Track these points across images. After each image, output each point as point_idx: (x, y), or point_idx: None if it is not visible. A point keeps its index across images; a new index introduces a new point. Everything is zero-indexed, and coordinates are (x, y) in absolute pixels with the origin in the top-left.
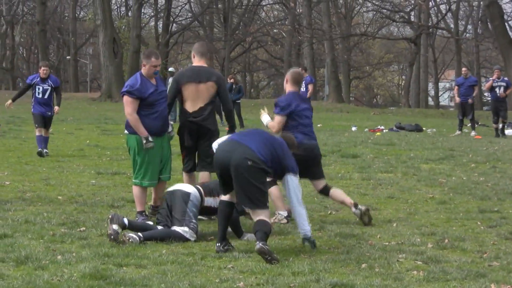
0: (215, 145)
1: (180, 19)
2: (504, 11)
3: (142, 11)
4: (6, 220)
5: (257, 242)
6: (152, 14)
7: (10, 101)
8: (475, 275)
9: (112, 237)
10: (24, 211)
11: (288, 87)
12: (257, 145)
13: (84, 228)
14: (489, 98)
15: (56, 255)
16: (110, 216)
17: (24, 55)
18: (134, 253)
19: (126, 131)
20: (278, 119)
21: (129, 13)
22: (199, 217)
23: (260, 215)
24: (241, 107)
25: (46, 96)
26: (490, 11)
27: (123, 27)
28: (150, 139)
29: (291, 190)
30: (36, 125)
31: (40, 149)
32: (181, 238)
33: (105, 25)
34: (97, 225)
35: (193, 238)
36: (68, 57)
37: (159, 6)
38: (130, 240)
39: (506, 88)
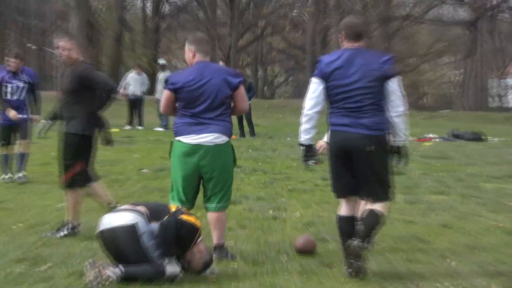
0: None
1: None
2: None
3: None
4: None
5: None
6: None
7: (12, 112)
8: None
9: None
10: None
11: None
12: (366, 122)
13: (49, 265)
14: None
15: None
16: (87, 263)
17: None
18: None
19: (226, 138)
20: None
21: None
22: None
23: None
24: (252, 109)
25: (19, 97)
26: None
27: (103, 9)
28: None
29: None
30: (3, 142)
31: (4, 176)
32: (164, 278)
33: (78, 5)
34: (65, 262)
35: (177, 270)
36: (29, 45)
37: None
38: (108, 280)
39: None
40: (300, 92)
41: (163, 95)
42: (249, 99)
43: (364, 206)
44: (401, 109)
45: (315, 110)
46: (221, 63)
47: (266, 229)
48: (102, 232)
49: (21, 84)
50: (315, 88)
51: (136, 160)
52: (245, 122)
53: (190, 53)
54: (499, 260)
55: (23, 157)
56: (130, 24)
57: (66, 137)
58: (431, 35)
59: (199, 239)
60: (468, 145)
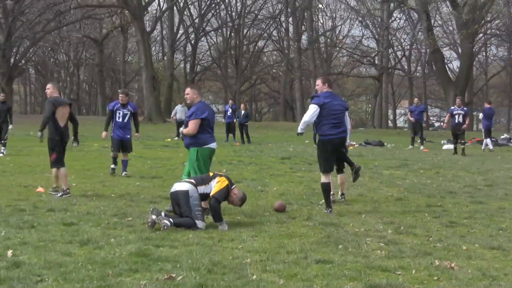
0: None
1: (202, 62)
2: (445, 56)
3: (174, 56)
4: (73, 212)
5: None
6: (182, 58)
7: (104, 132)
8: (423, 254)
9: (149, 224)
10: (86, 206)
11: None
12: (343, 130)
13: (131, 218)
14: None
15: (110, 238)
16: (151, 209)
17: (87, 89)
18: (168, 237)
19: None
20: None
21: (165, 58)
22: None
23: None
24: (249, 128)
25: (125, 120)
26: (434, 56)
27: (160, 68)
28: None
29: None
30: (112, 149)
31: (113, 166)
32: (197, 228)
33: (147, 66)
34: (140, 216)
35: (203, 227)
36: (119, 90)
37: (187, 52)
38: (165, 227)
39: (464, 116)
40: (276, 117)
41: (195, 122)
42: (247, 121)
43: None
44: (349, 126)
45: (311, 121)
46: (230, 101)
47: (257, 197)
48: (171, 193)
49: (127, 112)
50: (315, 110)
51: (181, 157)
52: (244, 135)
53: (195, 95)
54: (391, 215)
55: (126, 163)
56: (177, 77)
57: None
58: (354, 84)
59: (233, 187)
60: (374, 149)
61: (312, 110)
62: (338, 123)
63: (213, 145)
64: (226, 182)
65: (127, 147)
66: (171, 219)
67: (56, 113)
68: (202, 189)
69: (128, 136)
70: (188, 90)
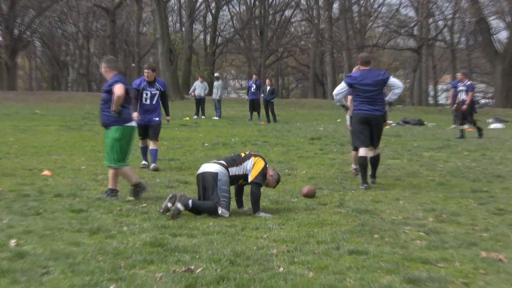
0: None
1: (224, 33)
2: (490, 26)
3: (193, 26)
4: (82, 198)
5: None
6: (202, 29)
7: (135, 113)
8: (468, 244)
9: (162, 210)
10: (97, 191)
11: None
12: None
13: (145, 204)
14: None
15: (123, 227)
16: (171, 195)
17: (97, 63)
18: (186, 225)
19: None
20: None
21: (183, 28)
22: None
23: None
24: (275, 105)
25: (154, 102)
26: (479, 26)
27: (178, 40)
28: None
29: None
30: (140, 137)
31: (144, 162)
32: (219, 216)
33: (163, 38)
34: (156, 202)
35: (226, 215)
36: (133, 64)
37: (207, 22)
38: (175, 211)
39: (466, 92)
40: (305, 94)
41: (121, 86)
42: (273, 98)
43: (369, 152)
44: (399, 89)
45: (336, 95)
46: (254, 76)
47: (283, 181)
48: (198, 174)
49: (155, 91)
50: (342, 88)
51: (200, 138)
52: (270, 113)
53: (105, 70)
54: (432, 201)
55: (155, 153)
56: (196, 50)
57: None
58: (390, 57)
59: (267, 167)
60: (414, 128)
61: (340, 87)
62: (369, 101)
63: (134, 122)
64: (263, 163)
65: (153, 132)
66: (189, 202)
67: None
68: (234, 170)
69: (157, 119)
70: (104, 65)
